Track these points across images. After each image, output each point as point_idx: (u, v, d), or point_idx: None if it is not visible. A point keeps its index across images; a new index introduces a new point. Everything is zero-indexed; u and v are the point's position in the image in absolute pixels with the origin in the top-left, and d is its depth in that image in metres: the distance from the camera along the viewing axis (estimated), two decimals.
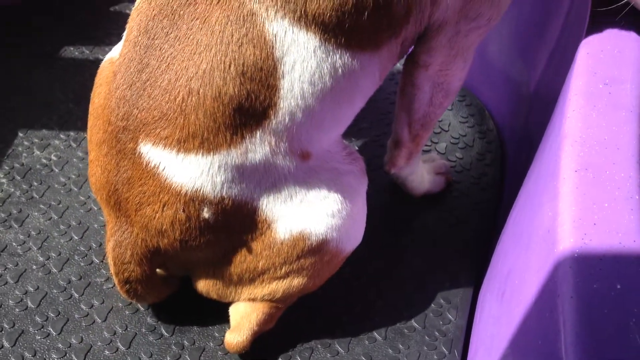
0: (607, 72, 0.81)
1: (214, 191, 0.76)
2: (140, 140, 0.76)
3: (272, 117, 0.75)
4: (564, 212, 0.66)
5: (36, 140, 1.14)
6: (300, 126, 0.76)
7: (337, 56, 0.75)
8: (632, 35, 0.86)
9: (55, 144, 1.14)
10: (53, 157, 1.12)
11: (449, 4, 0.78)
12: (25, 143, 1.14)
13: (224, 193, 0.77)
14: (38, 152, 1.13)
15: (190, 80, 0.73)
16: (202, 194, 0.76)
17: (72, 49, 1.34)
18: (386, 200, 1.12)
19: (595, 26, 0.89)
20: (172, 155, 0.75)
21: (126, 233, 0.80)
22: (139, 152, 0.76)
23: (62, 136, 1.15)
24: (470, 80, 1.34)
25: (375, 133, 1.21)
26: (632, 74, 0.81)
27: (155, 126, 0.74)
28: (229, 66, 0.72)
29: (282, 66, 0.73)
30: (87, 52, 1.34)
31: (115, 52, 0.82)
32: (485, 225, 1.09)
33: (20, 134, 1.15)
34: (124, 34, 0.80)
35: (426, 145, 1.21)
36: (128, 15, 0.82)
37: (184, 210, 0.77)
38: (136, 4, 0.79)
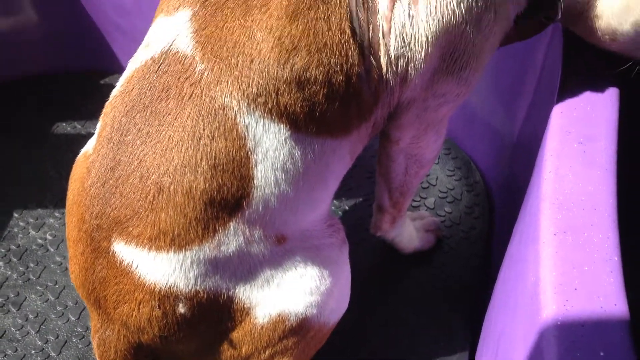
0: (581, 131, 0.83)
1: (188, 286, 0.77)
2: (113, 239, 0.76)
3: (246, 207, 0.76)
4: (545, 278, 0.67)
5: (31, 220, 1.16)
6: (274, 212, 0.78)
7: (309, 143, 0.77)
8: (604, 90, 0.88)
9: (50, 222, 1.16)
10: (48, 237, 1.14)
11: (416, 84, 0.80)
12: (21, 224, 1.16)
13: (198, 287, 0.77)
14: (33, 232, 1.14)
15: (162, 177, 0.74)
16: (176, 289, 0.77)
17: (64, 124, 1.37)
18: (376, 259, 1.14)
19: (569, 77, 0.91)
20: (144, 253, 0.76)
21: (108, 330, 0.81)
22: (113, 251, 0.77)
23: (56, 214, 1.17)
24: (454, 132, 1.37)
25: (364, 192, 1.23)
26: (606, 131, 0.83)
27: (127, 224, 0.75)
28: (201, 160, 0.73)
29: (255, 156, 0.75)
30: (79, 126, 1.37)
31: (89, 146, 0.84)
32: (477, 280, 1.10)
33: (16, 215, 1.17)
34: (98, 127, 0.82)
35: (415, 201, 1.22)
36: None
37: (159, 307, 0.77)
38: (110, 97, 0.81)
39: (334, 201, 1.21)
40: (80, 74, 1.47)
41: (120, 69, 1.49)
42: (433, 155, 0.94)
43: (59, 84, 1.44)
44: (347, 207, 1.22)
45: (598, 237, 0.70)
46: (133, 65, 0.80)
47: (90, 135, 0.87)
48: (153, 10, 0.84)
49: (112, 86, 1.26)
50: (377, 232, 1.06)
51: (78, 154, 0.86)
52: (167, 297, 0.77)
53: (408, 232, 1.10)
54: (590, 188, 0.76)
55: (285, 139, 0.76)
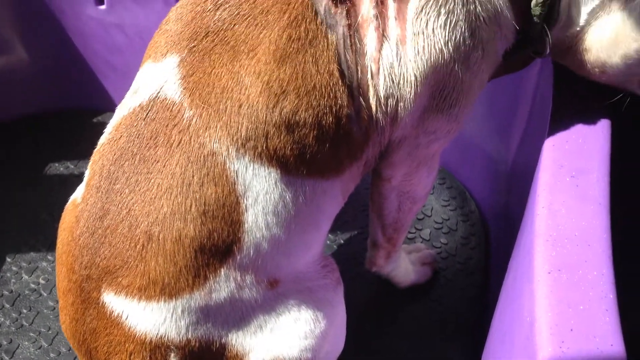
0: (573, 164, 0.83)
1: (179, 335, 0.76)
2: (103, 289, 0.76)
3: (237, 252, 0.75)
4: (541, 319, 0.66)
5: (24, 264, 1.15)
6: (266, 256, 0.77)
7: (300, 185, 0.76)
8: (595, 122, 0.88)
9: (42, 266, 1.15)
10: (41, 281, 1.13)
11: (407, 122, 0.80)
12: (14, 268, 1.15)
13: (189, 336, 0.76)
14: (26, 277, 1.14)
15: (151, 225, 0.73)
16: (167, 339, 0.76)
17: (57, 165, 1.37)
18: (372, 293, 1.13)
19: (561, 109, 0.91)
20: (134, 303, 0.75)
21: None
22: (103, 302, 0.76)
23: (49, 257, 1.17)
24: (449, 161, 1.37)
25: (360, 225, 1.23)
26: (598, 163, 0.83)
27: (116, 275, 0.75)
28: (190, 207, 0.73)
29: (245, 200, 0.74)
30: (72, 166, 1.37)
31: (78, 194, 0.83)
32: (475, 312, 1.10)
33: (8, 259, 1.16)
34: (86, 175, 0.81)
35: (410, 233, 1.22)
36: None
37: (150, 358, 0.76)
38: (98, 145, 0.80)
39: (329, 235, 1.20)
40: (72, 112, 1.47)
41: (112, 107, 1.49)
42: (426, 191, 0.93)
43: (50, 123, 1.44)
44: (342, 241, 1.21)
45: (593, 274, 0.70)
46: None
47: (83, 175, 0.87)
48: (144, 48, 0.85)
49: (105, 124, 1.25)
50: (372, 267, 1.05)
51: (71, 195, 0.86)
52: (158, 348, 0.76)
53: (404, 267, 1.09)
54: (583, 223, 0.76)
55: (275, 183, 0.76)
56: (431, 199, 1.27)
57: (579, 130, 0.88)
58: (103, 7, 1.36)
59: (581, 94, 0.92)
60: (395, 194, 0.92)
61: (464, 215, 1.24)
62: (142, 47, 1.36)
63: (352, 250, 1.18)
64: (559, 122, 0.89)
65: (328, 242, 1.21)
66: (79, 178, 0.87)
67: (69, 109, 1.48)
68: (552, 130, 0.89)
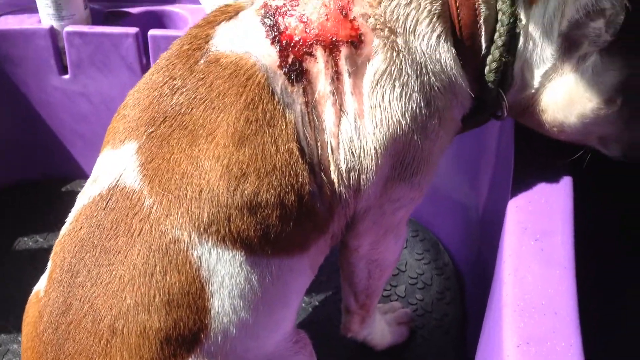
0: (537, 226, 0.83)
1: None
2: None
3: (204, 339, 0.74)
4: None
5: None
6: (234, 341, 0.76)
7: (266, 265, 0.76)
8: (558, 180, 0.89)
9: (14, 348, 1.13)
10: None
11: (370, 193, 0.80)
12: None
13: None
14: None
15: (114, 319, 0.72)
16: None
17: (25, 239, 1.35)
18: (349, 355, 1.11)
19: (522, 168, 0.92)
20: None
21: None
22: None
23: (20, 339, 1.14)
24: (420, 212, 1.37)
25: (334, 284, 1.22)
26: (562, 224, 0.83)
27: None
28: (154, 297, 0.72)
29: (210, 286, 0.73)
30: (41, 240, 1.35)
31: (41, 285, 0.81)
32: None
33: None
34: (48, 267, 0.80)
35: (385, 290, 1.21)
36: None
37: None
38: (60, 236, 0.79)
39: (304, 297, 1.19)
40: (40, 183, 1.46)
41: (81, 174, 1.48)
42: (395, 257, 0.93)
43: (17, 196, 1.43)
44: (317, 303, 1.20)
45: (561, 345, 0.69)
46: (81, 200, 0.79)
47: (52, 248, 0.84)
48: (110, 117, 0.84)
49: (74, 193, 1.23)
50: (348, 333, 1.04)
51: (40, 269, 0.84)
52: None
53: (380, 329, 1.08)
54: (550, 290, 0.75)
55: (240, 265, 0.75)
56: (405, 253, 1.27)
57: (542, 190, 0.88)
58: (67, 76, 1.36)
59: (542, 151, 0.93)
60: (364, 263, 0.91)
61: (439, 269, 1.24)
62: (108, 114, 1.36)
63: (327, 311, 1.17)
64: (522, 181, 0.90)
65: (303, 304, 1.20)
66: (48, 252, 0.85)
67: (36, 179, 1.47)
68: (515, 191, 0.89)
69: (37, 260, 1.30)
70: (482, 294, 1.08)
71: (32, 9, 1.36)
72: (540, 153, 0.92)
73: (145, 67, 1.33)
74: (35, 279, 1.05)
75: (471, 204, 1.27)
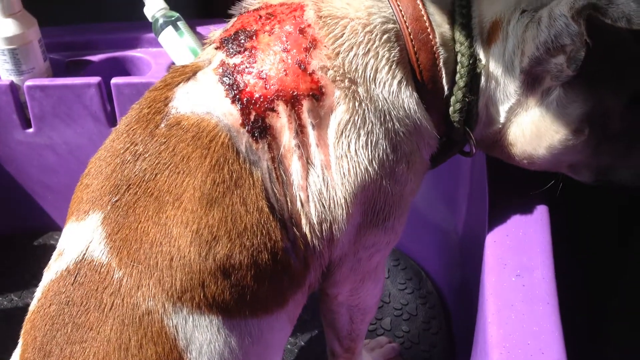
0: (516, 262, 0.82)
1: None
2: None
3: None
4: None
5: None
6: None
7: (244, 326, 0.74)
8: (533, 211, 0.88)
9: None
10: None
11: (344, 242, 0.79)
12: None
13: None
14: None
15: None
16: None
17: (0, 299, 1.31)
18: None
19: (497, 199, 0.91)
20: None
21: None
22: None
23: None
24: (400, 239, 1.36)
25: (320, 323, 1.20)
26: (541, 258, 0.82)
27: None
28: None
29: (189, 354, 0.72)
30: (16, 299, 1.32)
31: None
32: None
33: None
34: (19, 346, 0.77)
35: (371, 324, 1.20)
36: (53, 247, 0.77)
37: None
38: (29, 312, 0.77)
39: (289, 339, 1.18)
40: (11, 238, 1.43)
41: (53, 226, 1.45)
42: (375, 300, 0.92)
43: None
44: (302, 343, 1.18)
45: None
46: (48, 276, 0.77)
47: (28, 307, 0.81)
48: (80, 168, 0.81)
49: (47, 246, 1.19)
50: None
51: (16, 330, 0.81)
52: None
53: None
54: (535, 328, 0.75)
55: (218, 330, 0.73)
56: (387, 283, 1.26)
57: (519, 222, 0.88)
58: (31, 130, 1.33)
59: (515, 181, 0.92)
60: (345, 309, 0.90)
61: (422, 298, 1.23)
62: (76, 164, 1.34)
63: (313, 352, 1.16)
64: (498, 213, 0.89)
65: (289, 346, 1.18)
66: (24, 310, 0.83)
67: (7, 235, 1.43)
68: (492, 224, 0.88)
69: (13, 322, 1.27)
70: (468, 321, 1.07)
71: None
72: (514, 181, 0.91)
73: (109, 115, 1.31)
74: (13, 341, 1.03)
75: (450, 229, 1.26)
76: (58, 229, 1.44)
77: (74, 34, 1.45)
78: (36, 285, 1.38)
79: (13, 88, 1.30)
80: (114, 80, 1.26)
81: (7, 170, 1.40)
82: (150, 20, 1.38)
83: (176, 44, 1.33)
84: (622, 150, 0.82)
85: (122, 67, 1.42)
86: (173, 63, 1.36)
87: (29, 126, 1.33)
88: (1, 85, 1.29)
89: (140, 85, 1.27)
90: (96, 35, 1.44)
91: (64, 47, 1.43)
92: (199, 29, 1.42)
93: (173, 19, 1.35)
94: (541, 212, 0.88)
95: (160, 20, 1.36)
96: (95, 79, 1.27)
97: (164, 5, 1.38)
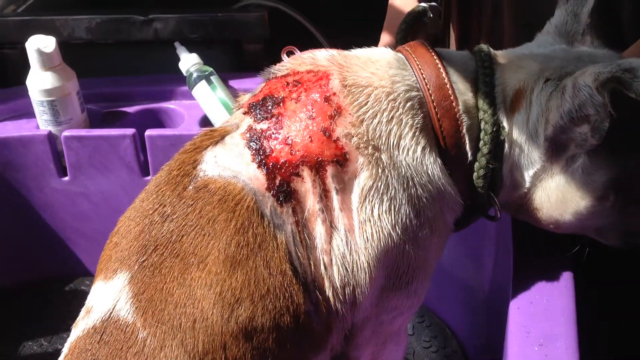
0: (539, 330, 0.81)
1: None
2: None
3: None
4: None
5: None
6: None
7: None
8: (558, 277, 0.88)
9: None
10: None
11: (367, 305, 0.80)
12: None
13: None
14: None
15: None
16: None
17: (30, 343, 1.34)
18: None
19: (522, 264, 0.91)
20: None
21: None
22: None
23: None
24: (426, 296, 1.35)
25: None
26: (564, 327, 0.82)
27: None
28: None
29: None
30: (46, 344, 1.34)
31: None
32: None
33: None
34: None
35: None
36: (83, 292, 0.78)
37: None
38: None
39: None
40: (43, 284, 1.45)
41: (85, 272, 1.48)
42: None
43: (21, 298, 1.42)
44: None
45: None
46: (75, 333, 0.78)
47: (58, 352, 0.82)
48: (112, 215, 0.84)
49: (78, 291, 1.20)
50: None
51: None
52: None
53: None
54: None
55: None
56: (412, 341, 1.25)
57: (543, 289, 0.87)
58: (66, 178, 1.37)
59: (541, 242, 0.92)
60: None
61: (447, 357, 1.21)
62: (109, 212, 1.37)
63: None
64: (522, 278, 0.89)
65: None
66: (54, 356, 0.84)
67: (39, 280, 1.46)
68: (516, 290, 0.88)
69: None
70: None
71: (30, 113, 1.38)
72: (539, 242, 0.91)
73: (143, 165, 1.34)
74: None
75: (476, 286, 1.25)
76: (89, 275, 1.46)
77: (111, 85, 1.50)
78: (65, 331, 1.40)
79: (51, 138, 1.34)
80: (148, 132, 1.30)
81: (43, 216, 1.43)
82: (184, 74, 1.43)
83: (209, 97, 1.37)
84: None
85: (157, 119, 1.46)
86: (205, 116, 1.39)
87: (65, 174, 1.37)
88: (39, 135, 1.33)
89: (172, 137, 1.30)
90: (132, 88, 1.49)
91: (101, 98, 1.48)
92: (232, 82, 1.46)
93: (207, 73, 1.39)
94: (566, 278, 0.87)
95: (194, 75, 1.40)
96: (130, 131, 1.31)
97: (198, 60, 1.42)
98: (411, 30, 1.10)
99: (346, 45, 0.94)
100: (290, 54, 0.94)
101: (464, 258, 1.28)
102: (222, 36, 1.67)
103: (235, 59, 1.74)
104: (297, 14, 1.75)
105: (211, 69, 1.41)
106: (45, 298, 1.43)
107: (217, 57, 1.67)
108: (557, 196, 0.81)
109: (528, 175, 0.81)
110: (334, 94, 0.78)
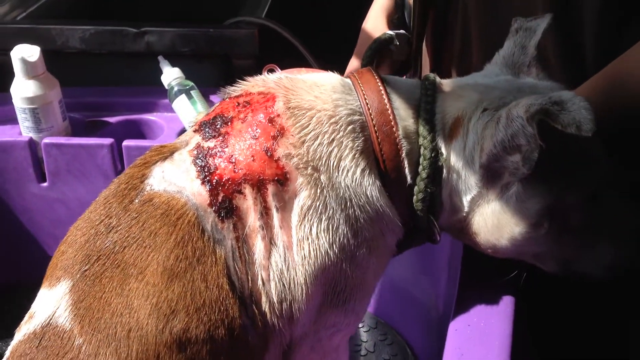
0: (474, 353, 0.83)
1: None
2: None
3: None
4: None
5: None
6: None
7: None
8: (498, 301, 0.89)
9: None
10: None
11: (304, 321, 0.82)
12: None
13: None
14: None
15: None
16: None
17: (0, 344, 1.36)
18: None
19: (466, 286, 0.92)
20: None
21: None
22: None
23: None
24: (388, 312, 1.36)
25: None
26: (497, 350, 0.83)
27: None
28: None
29: None
30: None
31: None
32: None
33: None
34: None
35: None
36: None
37: None
38: None
39: None
40: (19, 286, 1.48)
41: None
42: None
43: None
44: None
45: None
46: (17, 337, 0.81)
47: None
48: None
49: None
50: None
51: None
52: None
53: None
54: None
55: None
56: (372, 358, 1.26)
57: (482, 312, 0.88)
58: (45, 184, 1.40)
59: (487, 264, 0.93)
60: None
61: None
62: None
63: None
64: (465, 300, 0.90)
65: None
66: None
67: (14, 283, 1.49)
68: (457, 311, 0.90)
69: None
70: None
71: (16, 119, 1.41)
72: (486, 265, 0.92)
73: (119, 174, 1.37)
74: None
75: (432, 305, 1.27)
76: None
77: (96, 95, 1.54)
78: None
79: (32, 144, 1.37)
80: (125, 143, 1.33)
81: (21, 220, 1.47)
82: (166, 87, 1.46)
83: (188, 110, 1.40)
84: (585, 243, 0.83)
85: (138, 129, 1.49)
86: (184, 128, 1.42)
87: (44, 180, 1.40)
88: (20, 141, 1.37)
89: (148, 148, 1.33)
90: (116, 98, 1.52)
91: (86, 107, 1.51)
92: (213, 97, 1.49)
93: (187, 87, 1.42)
94: (506, 303, 0.89)
95: (175, 88, 1.43)
96: (108, 140, 1.34)
97: (180, 74, 1.46)
98: (376, 56, 1.13)
99: (334, 64, 0.97)
100: (271, 71, 0.97)
101: (421, 277, 1.30)
102: (212, 51, 1.71)
103: (225, 74, 1.77)
104: (286, 32, 1.78)
105: (192, 83, 1.44)
106: (19, 303, 1.45)
107: (207, 72, 1.71)
108: (493, 222, 0.83)
109: (466, 200, 0.83)
110: (278, 115, 0.81)
